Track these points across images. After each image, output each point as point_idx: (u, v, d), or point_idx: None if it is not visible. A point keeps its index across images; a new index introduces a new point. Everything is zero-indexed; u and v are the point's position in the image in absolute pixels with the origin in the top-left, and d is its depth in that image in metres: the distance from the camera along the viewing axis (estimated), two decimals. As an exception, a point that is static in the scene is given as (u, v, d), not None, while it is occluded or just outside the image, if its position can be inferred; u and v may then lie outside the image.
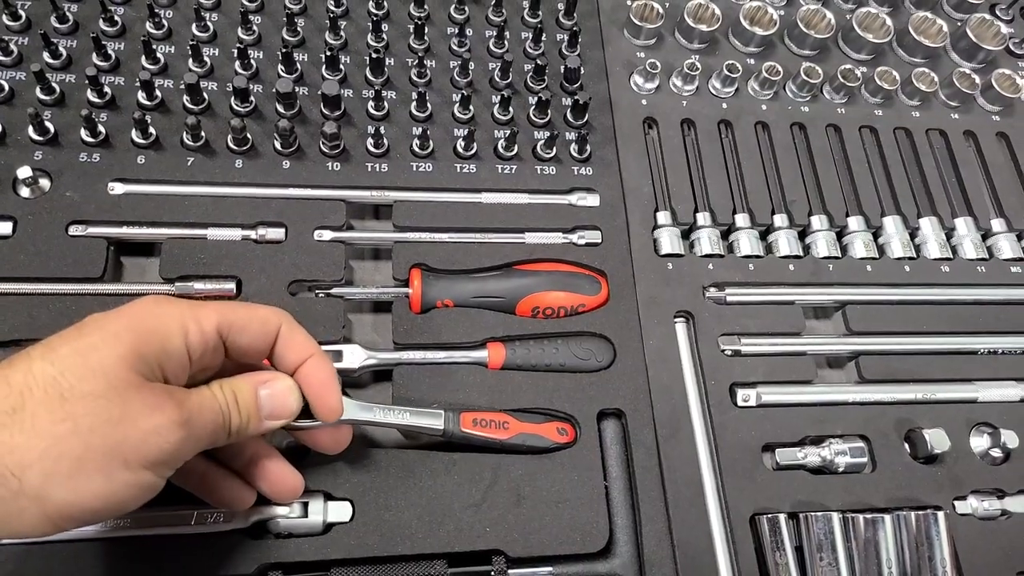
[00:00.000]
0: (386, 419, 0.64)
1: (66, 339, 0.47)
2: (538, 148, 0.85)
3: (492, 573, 0.65)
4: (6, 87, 0.76)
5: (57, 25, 0.81)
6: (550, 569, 0.67)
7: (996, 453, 0.79)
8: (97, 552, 0.61)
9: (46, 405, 0.43)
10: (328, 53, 0.82)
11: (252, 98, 0.81)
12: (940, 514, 0.73)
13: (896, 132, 0.97)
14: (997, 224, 0.92)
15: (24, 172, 0.72)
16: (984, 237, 0.92)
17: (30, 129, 0.75)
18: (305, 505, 0.65)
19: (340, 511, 0.65)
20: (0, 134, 0.74)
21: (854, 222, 0.89)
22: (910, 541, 0.72)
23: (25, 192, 0.73)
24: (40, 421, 0.43)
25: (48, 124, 0.75)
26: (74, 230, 0.72)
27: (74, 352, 0.45)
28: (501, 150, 0.84)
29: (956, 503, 0.76)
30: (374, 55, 0.83)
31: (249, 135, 0.79)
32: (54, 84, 0.77)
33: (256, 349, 0.56)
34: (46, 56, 0.78)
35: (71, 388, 0.44)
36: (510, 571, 0.66)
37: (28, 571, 0.60)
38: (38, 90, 0.76)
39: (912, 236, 0.90)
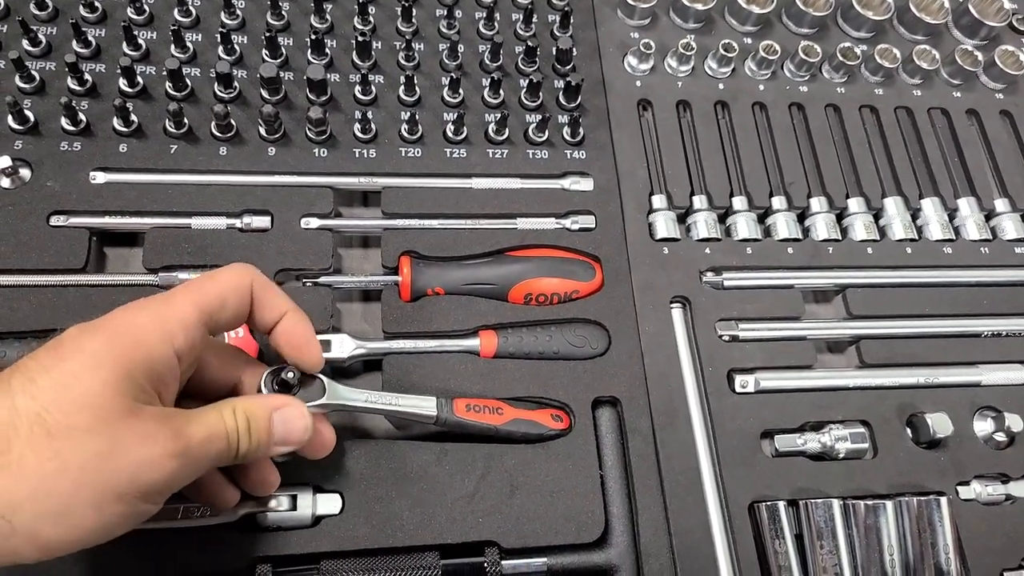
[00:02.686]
0: (376, 405, 0.63)
1: (45, 366, 0.44)
2: (530, 132, 0.83)
3: (485, 565, 0.64)
4: (-16, 75, 0.75)
5: (36, 12, 0.79)
6: (544, 560, 0.66)
7: (1000, 437, 0.78)
8: (82, 549, 0.60)
9: (32, 444, 0.41)
10: (313, 37, 0.80)
11: (236, 84, 0.79)
12: (943, 500, 0.72)
13: (897, 111, 0.95)
14: (1000, 204, 0.91)
15: (4, 162, 0.71)
16: (987, 218, 0.90)
17: (9, 118, 0.73)
18: (294, 498, 0.64)
19: (329, 503, 0.64)
20: (-21, 123, 0.73)
21: (854, 204, 0.87)
22: (912, 527, 0.71)
23: (5, 182, 0.71)
24: (27, 461, 0.41)
25: (28, 113, 0.74)
26: (55, 220, 0.71)
27: (56, 384, 0.43)
28: (492, 134, 0.82)
29: (959, 488, 0.75)
30: (360, 38, 0.81)
31: (233, 121, 0.77)
32: (33, 72, 0.75)
33: (237, 321, 0.54)
34: (25, 43, 0.77)
35: (56, 424, 0.42)
36: (504, 562, 0.65)
37: (16, 569, 0.59)
38: (17, 78, 0.75)
39: (914, 217, 0.88)
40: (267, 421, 0.53)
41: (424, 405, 0.65)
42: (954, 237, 0.88)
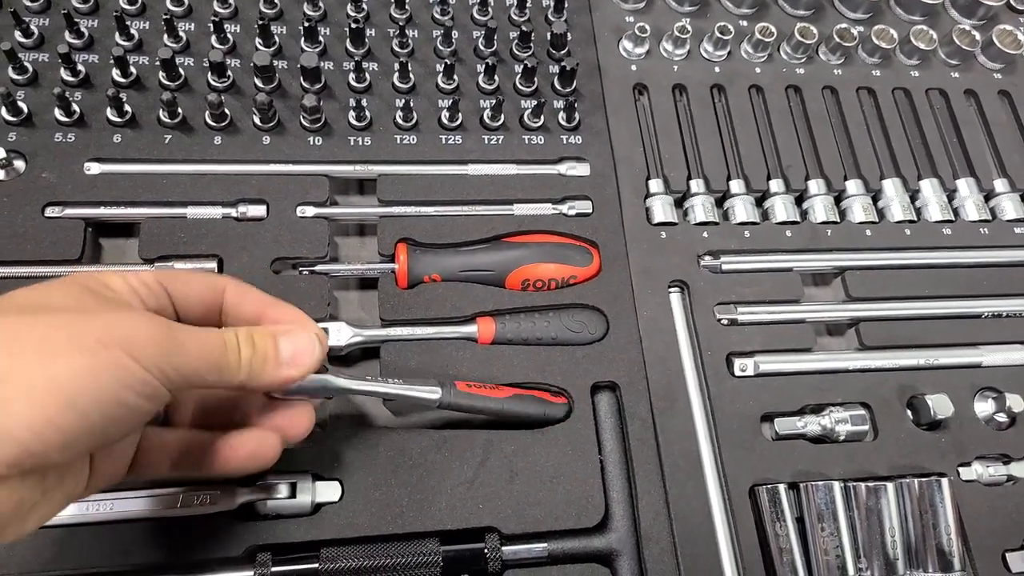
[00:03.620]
0: (378, 389, 0.62)
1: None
2: (525, 117, 0.83)
3: (486, 551, 0.64)
4: (-24, 68, 0.74)
5: (28, 3, 0.79)
6: (545, 545, 0.66)
7: (1001, 418, 0.77)
8: (83, 536, 0.60)
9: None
10: (307, 24, 0.80)
11: (230, 73, 0.78)
12: (944, 481, 0.71)
13: (895, 93, 0.94)
14: (1000, 184, 0.90)
15: (-3, 154, 0.70)
16: (987, 198, 0.90)
17: (3, 109, 0.73)
18: (293, 485, 0.64)
19: (329, 491, 0.64)
20: (-28, 116, 0.73)
21: (852, 186, 0.87)
22: (913, 509, 0.71)
23: (0, 174, 0.71)
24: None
25: (21, 104, 0.73)
26: (50, 212, 0.71)
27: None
28: (487, 120, 0.82)
29: (960, 470, 0.74)
30: (354, 25, 0.80)
31: (227, 111, 0.77)
32: (26, 63, 0.75)
33: (204, 303, 0.52)
34: (17, 35, 0.76)
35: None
36: (504, 548, 0.64)
37: (15, 557, 0.59)
38: (10, 69, 0.74)
39: (912, 199, 0.88)
40: (272, 339, 0.50)
41: (427, 388, 0.64)
42: (953, 218, 0.87)
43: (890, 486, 0.71)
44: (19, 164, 0.72)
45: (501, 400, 0.67)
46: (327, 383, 0.57)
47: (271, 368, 0.50)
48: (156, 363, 0.42)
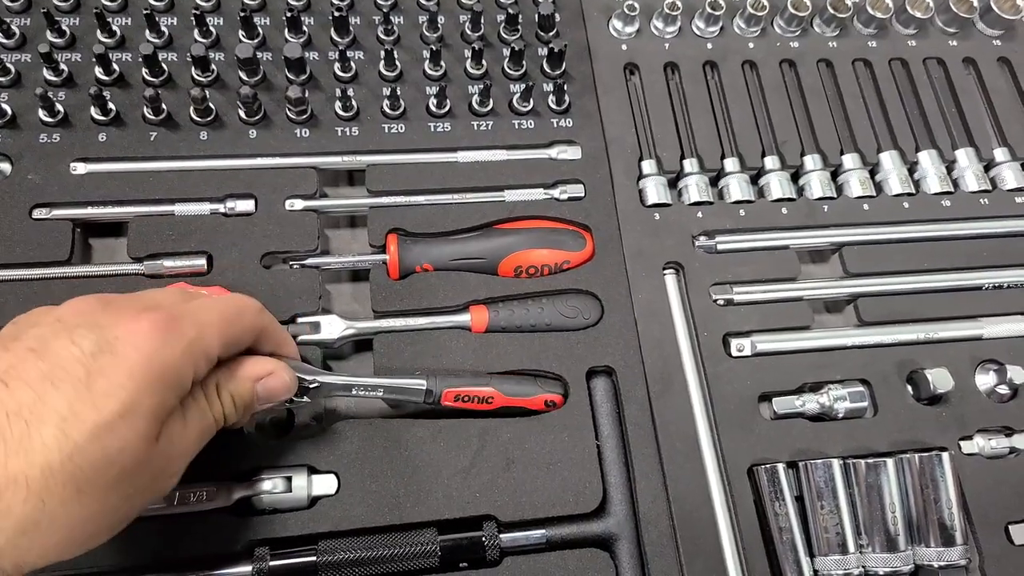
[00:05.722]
0: (367, 390, 0.63)
1: (81, 412, 0.42)
2: (514, 101, 0.82)
3: (484, 539, 0.64)
4: (-42, 70, 0.74)
5: (8, 3, 0.78)
6: (543, 531, 0.66)
7: (1003, 390, 0.76)
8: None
9: (62, 503, 0.41)
10: (290, 14, 0.79)
11: (213, 67, 0.78)
12: (945, 455, 0.71)
13: (891, 63, 0.92)
14: (1000, 154, 0.88)
15: (-17, 157, 0.70)
16: (986, 168, 0.88)
17: (-14, 112, 0.72)
18: (289, 480, 0.64)
19: (325, 484, 0.64)
20: (-44, 119, 0.72)
21: (849, 160, 0.85)
22: (914, 484, 0.70)
23: (-14, 177, 0.71)
24: (56, 516, 0.42)
25: (5, 106, 0.73)
26: (38, 213, 0.71)
27: (91, 440, 0.42)
28: (476, 106, 0.81)
29: (962, 443, 0.74)
30: (337, 14, 0.79)
31: (212, 105, 0.76)
32: (8, 64, 0.74)
33: (240, 349, 0.55)
34: (-1, 36, 0.76)
35: (87, 483, 0.42)
36: (502, 536, 0.64)
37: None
38: (-8, 71, 0.74)
39: (911, 171, 0.87)
40: (251, 394, 0.54)
41: (413, 382, 0.65)
42: (952, 189, 0.86)
43: (890, 462, 0.70)
44: (4, 166, 0.72)
45: (491, 411, 0.68)
46: (319, 389, 0.61)
47: (249, 413, 0.56)
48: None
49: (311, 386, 0.60)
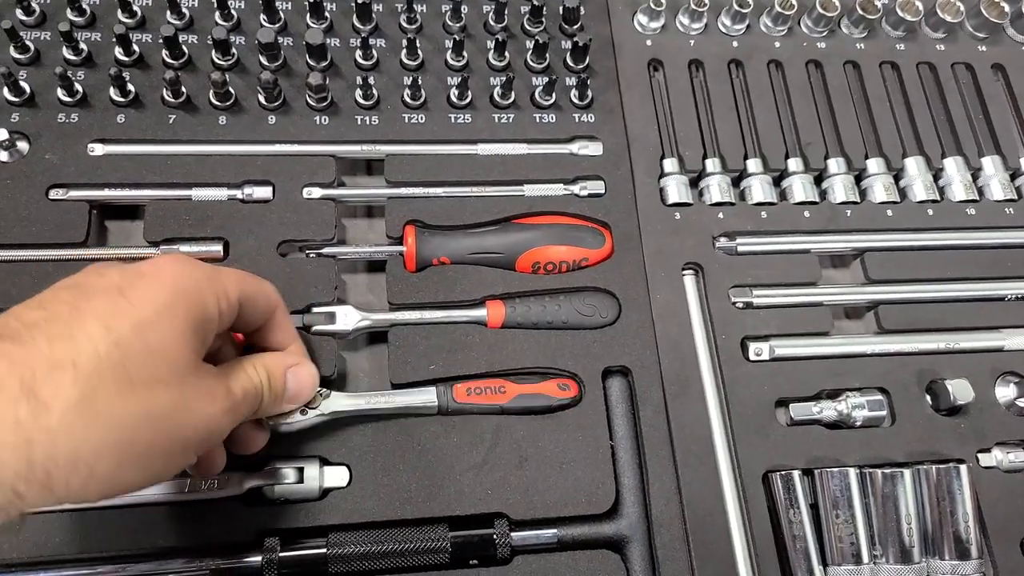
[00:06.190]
0: (376, 406, 0.65)
1: (120, 311, 0.43)
2: (536, 95, 0.81)
3: (495, 536, 0.63)
4: (-22, 47, 0.73)
5: (29, -20, 0.77)
6: (555, 531, 0.65)
7: (1022, 403, 0.75)
8: (92, 521, 0.60)
9: (117, 393, 0.42)
10: (312, 0, 0.78)
11: (234, 50, 0.77)
12: (962, 467, 0.70)
13: (919, 67, 0.91)
14: (1027, 162, 0.87)
15: (1, 135, 0.69)
16: (1012, 177, 0.87)
17: (5, 90, 0.72)
18: (301, 470, 0.63)
19: (337, 476, 0.64)
20: (-26, 96, 0.72)
21: (874, 164, 0.84)
22: (931, 496, 0.69)
23: (3, 156, 0.70)
24: (114, 410, 0.41)
25: (23, 84, 0.72)
26: (55, 194, 0.70)
27: (135, 332, 0.43)
28: (497, 98, 0.80)
29: (980, 456, 0.73)
30: (360, 0, 0.78)
31: (232, 89, 0.75)
32: (28, 42, 0.74)
33: (255, 324, 0.56)
34: (19, 12, 0.75)
35: (137, 374, 0.43)
36: (513, 534, 0.64)
37: (25, 543, 0.59)
38: (11, 48, 0.73)
39: (936, 178, 0.85)
40: (283, 378, 0.55)
41: (423, 398, 0.66)
42: (978, 197, 0.84)
43: (907, 472, 0.69)
44: (22, 145, 0.71)
45: (501, 406, 0.67)
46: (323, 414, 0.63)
47: (276, 406, 0.57)
48: (216, 443, 0.54)
49: (324, 396, 0.62)
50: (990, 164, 0.86)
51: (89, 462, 0.41)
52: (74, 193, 0.70)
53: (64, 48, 0.74)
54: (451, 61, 0.81)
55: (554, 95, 0.80)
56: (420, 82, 0.77)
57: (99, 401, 0.41)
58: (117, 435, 0.42)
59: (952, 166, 0.85)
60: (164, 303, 0.45)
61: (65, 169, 0.71)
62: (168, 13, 0.77)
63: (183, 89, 0.74)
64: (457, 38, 0.79)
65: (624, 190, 0.78)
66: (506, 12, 0.82)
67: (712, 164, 0.82)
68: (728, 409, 0.71)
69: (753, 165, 0.82)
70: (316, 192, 0.73)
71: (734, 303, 0.76)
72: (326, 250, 0.72)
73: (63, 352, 0.40)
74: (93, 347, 0.41)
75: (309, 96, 0.76)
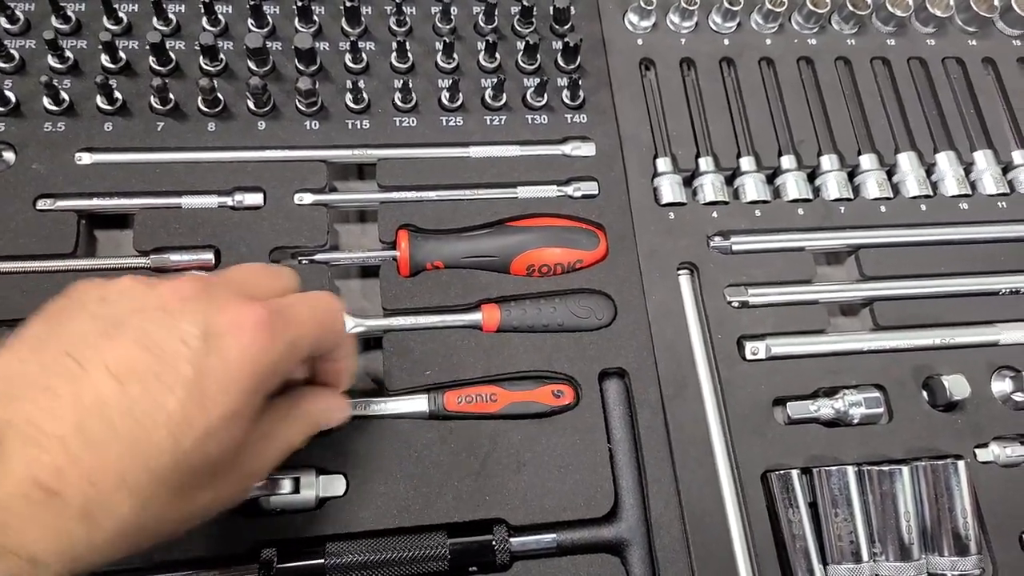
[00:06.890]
0: (364, 413, 0.65)
1: (190, 419, 0.41)
2: (528, 96, 0.80)
3: (494, 542, 0.63)
4: (-39, 56, 0.72)
5: (12, -13, 0.76)
6: (554, 536, 0.65)
7: (1019, 397, 0.75)
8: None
9: (169, 504, 0.42)
10: (300, 4, 0.77)
11: (222, 56, 0.76)
12: (960, 463, 0.70)
13: (910, 62, 0.91)
14: (1019, 156, 0.87)
15: (-14, 145, 0.69)
16: (1005, 170, 0.87)
17: (-10, 99, 0.71)
18: (297, 480, 0.63)
19: (333, 485, 0.63)
20: (-42, 106, 0.71)
21: (866, 160, 0.84)
22: (929, 492, 0.69)
23: (-11, 166, 0.69)
24: (162, 520, 0.43)
25: (8, 93, 0.71)
26: (42, 204, 0.69)
27: (199, 444, 0.42)
28: (489, 100, 0.79)
29: (977, 451, 0.73)
30: (349, 3, 0.77)
31: (220, 96, 0.74)
32: (12, 50, 0.73)
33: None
34: (2, 21, 0.74)
35: (186, 485, 0.43)
36: (513, 539, 0.63)
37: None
38: (-5, 57, 0.72)
39: (928, 173, 0.85)
40: (330, 425, 0.58)
41: (413, 406, 0.66)
42: (970, 192, 0.84)
43: (905, 469, 0.69)
44: (8, 156, 0.70)
45: (493, 413, 0.67)
46: None
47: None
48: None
49: None
50: (982, 158, 0.86)
51: (110, 559, 0.41)
52: (62, 203, 0.69)
53: (49, 56, 0.73)
54: (441, 63, 0.80)
55: (546, 96, 0.80)
56: (411, 85, 0.77)
57: (149, 518, 0.41)
58: (161, 533, 0.43)
59: (944, 161, 0.85)
60: (234, 402, 0.43)
61: (52, 179, 0.70)
62: (155, 19, 0.76)
63: (171, 96, 0.73)
64: (447, 40, 0.78)
65: (618, 191, 0.78)
66: (496, 13, 0.81)
67: (705, 163, 0.81)
68: (725, 409, 0.71)
69: (746, 163, 0.82)
70: (308, 198, 0.73)
71: (730, 302, 0.76)
72: (319, 256, 0.71)
73: (127, 468, 0.39)
74: (159, 464, 0.40)
75: (299, 101, 0.75)
